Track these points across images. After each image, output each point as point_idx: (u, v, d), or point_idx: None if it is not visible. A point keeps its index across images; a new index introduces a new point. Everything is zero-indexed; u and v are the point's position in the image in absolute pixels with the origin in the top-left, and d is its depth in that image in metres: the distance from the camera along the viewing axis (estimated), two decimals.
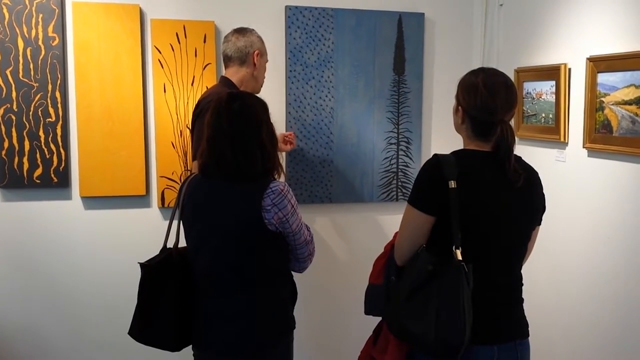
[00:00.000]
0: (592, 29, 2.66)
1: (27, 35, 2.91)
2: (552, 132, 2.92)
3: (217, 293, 1.99)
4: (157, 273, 2.01)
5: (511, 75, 3.19)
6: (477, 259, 1.76)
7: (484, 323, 1.77)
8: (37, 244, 3.06)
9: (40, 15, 2.92)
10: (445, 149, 1.91)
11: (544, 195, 1.94)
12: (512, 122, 3.15)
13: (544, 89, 2.97)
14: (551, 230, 2.80)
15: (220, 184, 1.96)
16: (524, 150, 3.17)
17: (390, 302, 1.87)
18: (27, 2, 2.89)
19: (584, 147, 2.69)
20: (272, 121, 2.03)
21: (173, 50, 3.09)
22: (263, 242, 1.94)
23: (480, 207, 1.79)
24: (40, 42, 2.93)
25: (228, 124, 1.93)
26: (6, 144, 2.93)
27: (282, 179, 2.11)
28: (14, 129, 2.93)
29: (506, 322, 1.84)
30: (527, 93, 3.12)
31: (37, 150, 2.96)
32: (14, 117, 2.92)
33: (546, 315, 2.94)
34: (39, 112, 2.95)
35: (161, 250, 2.07)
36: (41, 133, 2.97)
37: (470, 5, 3.55)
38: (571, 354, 2.80)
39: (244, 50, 2.64)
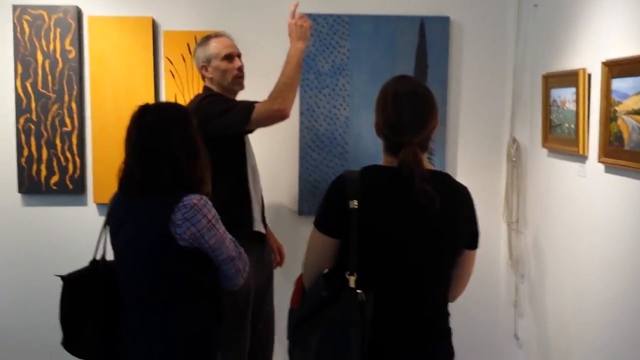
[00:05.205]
0: (611, 29, 2.37)
1: (45, 49, 3.05)
2: (573, 144, 2.63)
3: (134, 310, 1.93)
4: (77, 286, 1.97)
5: (538, 83, 2.94)
6: (382, 287, 1.58)
7: (392, 358, 1.59)
8: (54, 247, 3.18)
9: (58, 30, 3.05)
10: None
11: (473, 216, 1.72)
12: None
13: (567, 96, 2.69)
14: (573, 252, 2.57)
15: (131, 201, 1.92)
16: (549, 164, 2.89)
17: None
18: (46, 17, 3.04)
19: (599, 162, 2.40)
20: (194, 133, 1.95)
21: (184, 60, 3.12)
22: (177, 259, 1.85)
23: (384, 229, 1.61)
24: (57, 55, 3.06)
25: (136, 137, 1.90)
26: (26, 152, 3.08)
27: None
28: (33, 138, 3.08)
29: (419, 357, 1.65)
30: (553, 101, 2.84)
31: (54, 158, 3.10)
32: (33, 127, 3.08)
33: (568, 341, 2.63)
34: (56, 122, 3.09)
35: (90, 262, 2.04)
36: (58, 142, 3.10)
37: (501, 6, 3.29)
38: None
39: (198, 68, 2.72)
